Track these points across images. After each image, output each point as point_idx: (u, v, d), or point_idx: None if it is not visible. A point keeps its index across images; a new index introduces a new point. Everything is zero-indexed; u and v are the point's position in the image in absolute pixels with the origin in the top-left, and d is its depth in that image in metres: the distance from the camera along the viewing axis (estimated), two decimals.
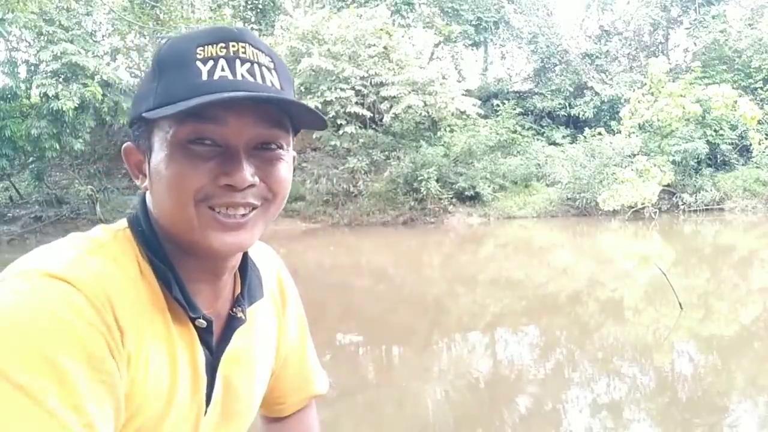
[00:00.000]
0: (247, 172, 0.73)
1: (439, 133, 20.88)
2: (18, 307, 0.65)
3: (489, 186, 19.56)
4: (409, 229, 18.32)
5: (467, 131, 20.63)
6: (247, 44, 0.74)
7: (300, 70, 18.53)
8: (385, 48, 19.22)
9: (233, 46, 0.73)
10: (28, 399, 0.62)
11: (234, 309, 0.86)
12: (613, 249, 14.98)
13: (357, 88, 18.90)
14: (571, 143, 21.44)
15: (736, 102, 19.95)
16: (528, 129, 23.02)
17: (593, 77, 24.04)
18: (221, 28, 0.75)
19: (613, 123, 21.17)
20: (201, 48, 0.73)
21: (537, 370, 6.09)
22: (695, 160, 19.69)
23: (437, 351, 6.91)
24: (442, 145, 20.33)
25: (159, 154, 0.74)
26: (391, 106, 18.94)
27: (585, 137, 20.74)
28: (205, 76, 0.72)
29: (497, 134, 20.86)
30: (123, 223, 0.81)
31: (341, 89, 18.49)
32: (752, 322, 7.82)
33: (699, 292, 9.33)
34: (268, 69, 0.76)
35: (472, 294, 10.03)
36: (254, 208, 0.77)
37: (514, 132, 21.93)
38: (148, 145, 0.76)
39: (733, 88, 20.50)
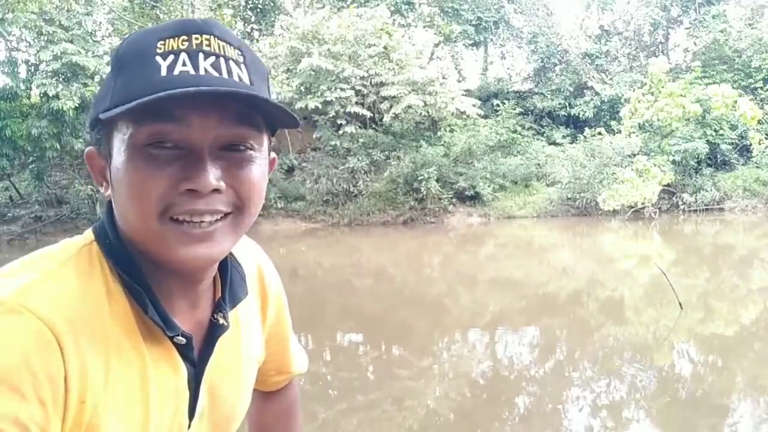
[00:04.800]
0: (212, 175, 0.67)
1: (439, 133, 20.89)
2: None
3: (489, 186, 19.56)
4: (409, 228, 18.33)
5: (467, 131, 20.63)
6: (212, 36, 0.69)
7: (300, 70, 18.55)
8: (385, 48, 19.23)
9: (196, 38, 0.68)
10: None
11: (215, 315, 0.80)
12: (613, 249, 14.98)
13: (357, 88, 18.91)
14: (571, 143, 21.44)
15: (736, 102, 19.93)
16: (528, 129, 23.02)
17: (593, 77, 24.04)
18: (185, 20, 0.70)
19: (613, 123, 21.16)
20: (162, 42, 0.68)
21: (537, 369, 6.09)
22: (695, 160, 19.69)
23: (437, 351, 6.91)
24: (442, 144, 20.34)
25: (118, 159, 0.69)
26: (391, 106, 18.96)
27: (585, 137, 20.75)
28: (164, 72, 0.66)
29: (497, 134, 20.86)
30: (89, 235, 0.75)
31: (341, 89, 18.51)
32: (752, 322, 7.83)
33: (699, 291, 9.33)
34: (237, 63, 0.70)
35: (473, 294, 10.03)
36: (223, 216, 0.71)
37: (514, 132, 21.92)
38: (108, 149, 0.71)
39: (733, 87, 20.48)
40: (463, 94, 20.27)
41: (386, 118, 19.25)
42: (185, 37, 0.68)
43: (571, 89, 24.08)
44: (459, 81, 21.91)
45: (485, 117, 21.41)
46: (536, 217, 19.26)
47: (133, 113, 0.65)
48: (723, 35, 23.09)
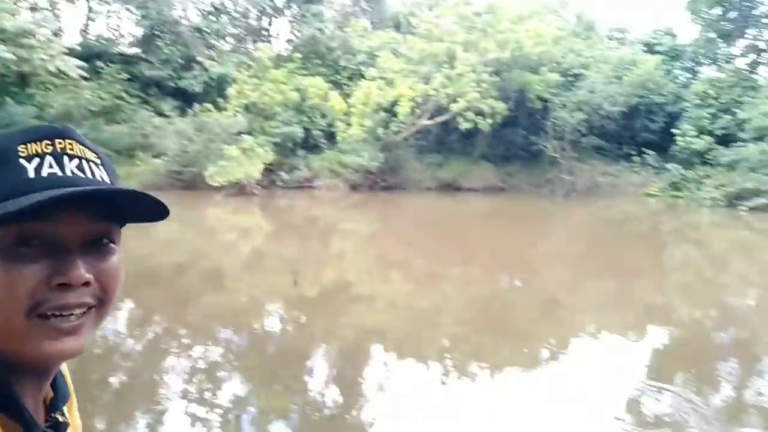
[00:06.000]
0: (83, 269, 0.69)
1: (30, 90, 18.45)
2: None
3: None
4: None
5: (67, 92, 18.75)
6: (74, 141, 0.72)
7: None
8: None
9: (59, 143, 0.71)
10: None
11: (53, 414, 0.78)
12: (218, 222, 15.61)
13: None
14: (179, 116, 21.35)
15: (327, 94, 22.74)
16: (134, 97, 22.05)
17: (202, 52, 24.29)
18: (44, 126, 0.73)
19: (221, 100, 21.83)
20: (23, 146, 0.69)
21: (134, 344, 6.06)
22: (293, 143, 21.78)
23: None
24: (35, 104, 18.06)
25: None
26: None
27: (194, 112, 20.92)
28: (31, 174, 0.68)
29: (101, 99, 19.48)
30: None
31: None
32: (332, 283, 9.18)
33: (293, 259, 10.46)
34: (96, 164, 0.73)
35: None
36: (90, 308, 0.72)
37: (120, 98, 20.83)
38: None
39: (325, 81, 23.28)
40: (64, 52, 18.24)
41: None
42: (48, 141, 0.70)
43: (181, 62, 23.91)
44: (57, 35, 19.63)
45: (87, 79, 19.72)
46: (142, 188, 18.70)
47: (12, 214, 0.64)
48: (320, 33, 25.87)
